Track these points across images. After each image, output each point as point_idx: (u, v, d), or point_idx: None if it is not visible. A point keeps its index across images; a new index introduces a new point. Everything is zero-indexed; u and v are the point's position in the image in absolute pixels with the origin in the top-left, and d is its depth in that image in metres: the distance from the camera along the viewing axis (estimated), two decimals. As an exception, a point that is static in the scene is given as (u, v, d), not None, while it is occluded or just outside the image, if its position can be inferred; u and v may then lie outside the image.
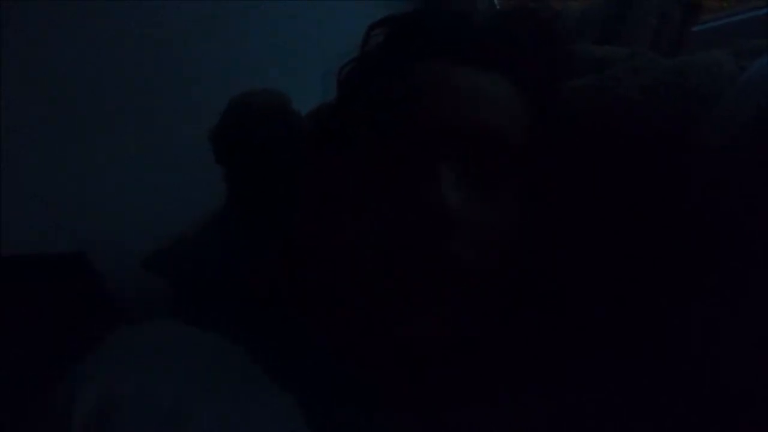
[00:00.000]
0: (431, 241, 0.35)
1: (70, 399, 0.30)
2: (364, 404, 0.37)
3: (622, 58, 0.48)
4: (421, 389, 0.38)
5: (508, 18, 0.47)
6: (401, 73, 0.42)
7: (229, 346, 0.37)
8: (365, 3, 0.75)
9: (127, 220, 0.90)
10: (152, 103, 0.93)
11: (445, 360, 0.38)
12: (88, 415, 0.29)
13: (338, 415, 0.35)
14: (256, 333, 0.40)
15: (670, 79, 0.40)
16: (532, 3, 0.50)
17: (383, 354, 0.38)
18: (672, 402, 0.34)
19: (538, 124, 0.41)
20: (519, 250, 0.39)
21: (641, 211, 0.39)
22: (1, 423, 0.46)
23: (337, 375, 0.38)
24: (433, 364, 0.38)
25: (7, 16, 0.78)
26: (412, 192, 0.36)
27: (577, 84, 0.42)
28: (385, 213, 0.37)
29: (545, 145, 0.41)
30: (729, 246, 0.33)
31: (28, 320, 0.74)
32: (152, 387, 0.31)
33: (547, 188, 0.41)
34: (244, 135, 0.63)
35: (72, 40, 0.86)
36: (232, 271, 0.63)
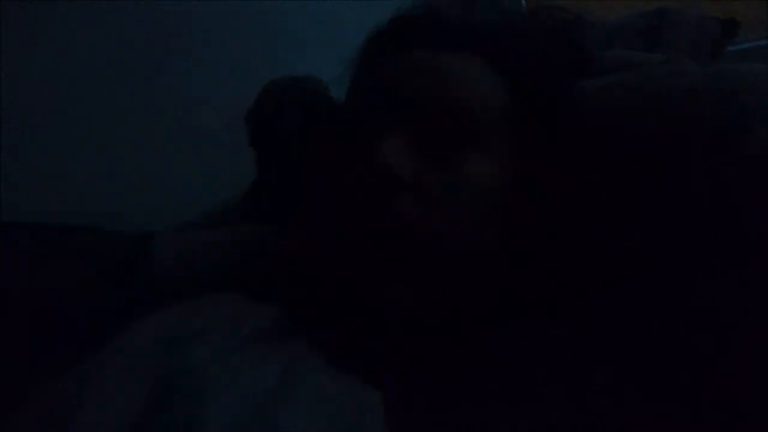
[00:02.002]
0: (377, 203, 0.37)
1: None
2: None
3: (657, 63, 0.49)
4: (387, 356, 0.39)
5: (511, 14, 0.48)
6: (381, 62, 0.44)
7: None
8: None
9: (152, 199, 0.91)
10: (182, 85, 0.93)
11: (411, 327, 0.38)
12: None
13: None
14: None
15: (708, 82, 0.40)
16: (556, 3, 0.51)
17: (354, 319, 0.39)
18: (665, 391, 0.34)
19: (528, 108, 0.42)
20: (490, 219, 0.40)
21: (666, 210, 0.39)
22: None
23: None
24: (399, 330, 0.39)
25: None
26: (364, 159, 0.38)
27: (607, 79, 0.42)
28: (346, 181, 0.39)
29: (542, 129, 0.42)
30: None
31: (42, 290, 0.74)
32: (246, 368, 0.33)
33: (540, 167, 0.41)
34: (278, 119, 0.65)
35: (98, 18, 0.87)
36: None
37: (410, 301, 0.37)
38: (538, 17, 0.49)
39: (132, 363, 0.35)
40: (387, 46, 0.46)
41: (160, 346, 0.36)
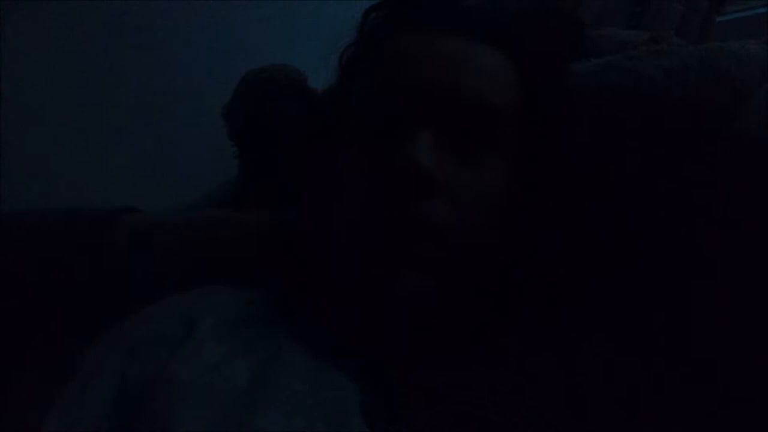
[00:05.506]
0: (405, 202, 0.36)
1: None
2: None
3: (645, 41, 0.47)
4: (401, 347, 0.39)
5: None
6: (388, 45, 0.43)
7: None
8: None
9: (135, 196, 0.90)
10: (183, 84, 0.93)
11: (425, 319, 0.38)
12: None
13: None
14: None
15: (697, 63, 0.39)
16: None
17: (368, 311, 0.39)
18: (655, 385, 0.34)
19: (536, 98, 0.41)
20: (501, 216, 0.40)
21: (652, 195, 0.38)
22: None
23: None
24: (413, 321, 0.39)
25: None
26: (389, 156, 0.37)
27: (596, 63, 0.41)
28: (367, 177, 0.39)
29: (545, 119, 0.41)
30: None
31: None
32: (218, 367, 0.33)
33: (543, 159, 0.41)
34: (258, 112, 0.63)
35: (98, 18, 0.87)
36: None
37: (429, 289, 0.37)
38: None
39: (98, 374, 0.35)
40: (391, 25, 0.44)
41: (124, 354, 0.36)
